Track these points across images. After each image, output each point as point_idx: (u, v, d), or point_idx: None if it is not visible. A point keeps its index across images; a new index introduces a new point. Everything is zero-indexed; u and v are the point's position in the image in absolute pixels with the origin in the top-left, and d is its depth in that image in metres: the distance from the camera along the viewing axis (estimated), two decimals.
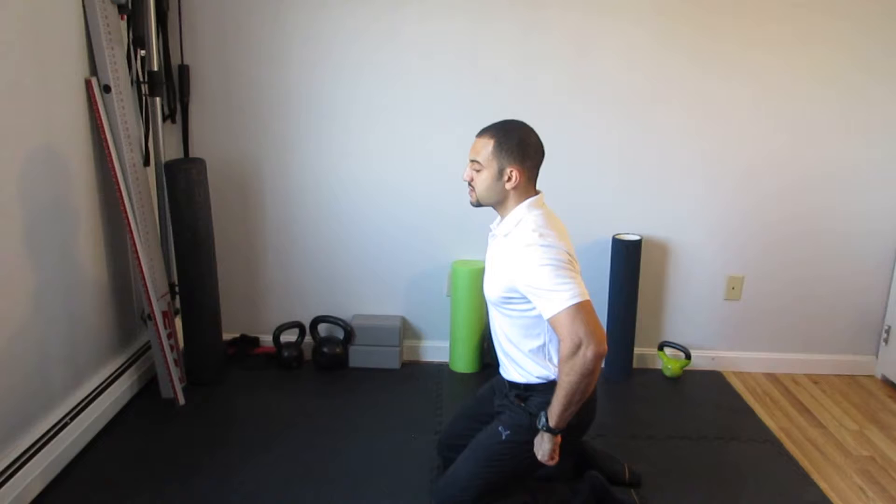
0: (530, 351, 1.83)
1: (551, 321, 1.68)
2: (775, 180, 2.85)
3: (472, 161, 1.81)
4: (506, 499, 1.88)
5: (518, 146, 1.76)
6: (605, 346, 1.66)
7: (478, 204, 1.86)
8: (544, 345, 1.83)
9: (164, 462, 2.23)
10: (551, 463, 1.78)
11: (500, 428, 1.87)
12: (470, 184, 1.84)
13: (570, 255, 1.72)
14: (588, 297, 1.66)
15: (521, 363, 1.86)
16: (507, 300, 1.80)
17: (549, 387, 1.79)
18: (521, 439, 1.83)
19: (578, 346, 1.62)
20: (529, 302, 1.75)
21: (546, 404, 1.76)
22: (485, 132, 1.81)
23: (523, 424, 1.84)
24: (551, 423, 1.72)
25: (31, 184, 2.02)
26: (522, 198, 1.81)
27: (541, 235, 1.71)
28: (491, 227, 1.93)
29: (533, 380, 1.85)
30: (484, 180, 1.79)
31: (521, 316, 1.80)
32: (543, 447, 1.77)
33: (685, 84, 2.74)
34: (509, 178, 1.77)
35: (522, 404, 1.86)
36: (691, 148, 2.82)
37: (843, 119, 2.78)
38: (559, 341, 1.67)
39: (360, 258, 2.96)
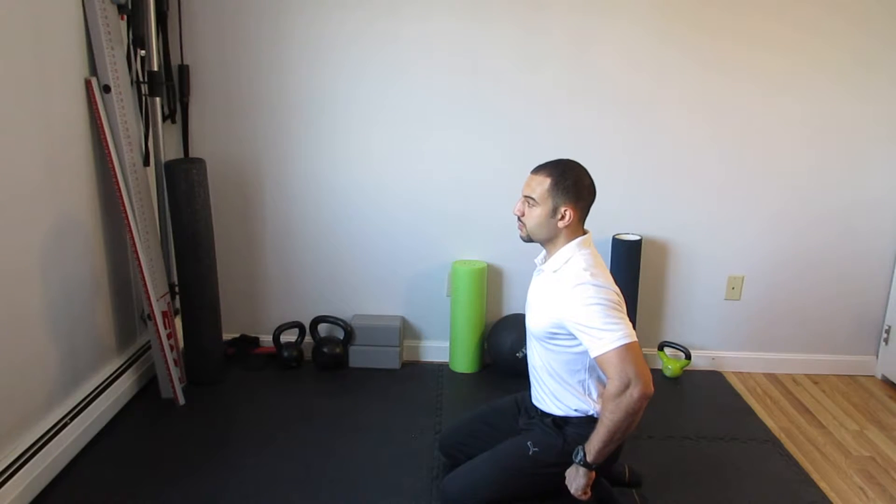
0: (571, 385, 1.86)
1: (599, 360, 1.70)
2: (776, 180, 2.85)
3: (527, 197, 1.84)
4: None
5: (574, 186, 1.80)
6: (653, 389, 1.69)
7: (528, 239, 1.89)
8: (585, 380, 1.86)
9: (164, 462, 2.23)
10: (584, 498, 1.79)
11: (528, 443, 1.89)
12: (520, 218, 1.87)
13: (618, 295, 1.75)
14: (636, 339, 1.69)
15: (560, 396, 1.89)
16: (553, 335, 1.83)
17: (585, 421, 1.84)
18: (549, 460, 1.86)
19: (627, 386, 1.65)
20: (575, 338, 1.77)
21: (581, 437, 1.79)
22: (541, 170, 1.84)
23: (555, 447, 1.86)
24: (589, 458, 1.74)
25: (31, 184, 2.02)
26: (572, 236, 1.84)
27: (592, 275, 1.74)
28: (536, 261, 1.95)
29: (571, 412, 1.88)
30: (537, 217, 1.82)
31: (565, 351, 1.83)
32: (578, 481, 1.78)
33: (686, 84, 2.74)
34: (563, 217, 1.81)
35: (559, 429, 1.89)
36: (692, 148, 2.82)
37: (845, 118, 2.78)
38: (604, 378, 1.73)
39: (360, 258, 2.96)
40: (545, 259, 1.91)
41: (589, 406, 1.86)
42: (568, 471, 1.81)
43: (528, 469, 1.87)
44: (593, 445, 1.74)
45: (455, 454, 2.11)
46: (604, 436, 1.71)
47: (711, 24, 2.68)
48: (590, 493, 1.79)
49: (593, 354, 1.71)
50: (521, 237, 1.90)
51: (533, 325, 1.91)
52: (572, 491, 1.79)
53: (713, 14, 2.67)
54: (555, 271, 1.84)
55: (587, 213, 1.87)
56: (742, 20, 2.67)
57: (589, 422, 1.82)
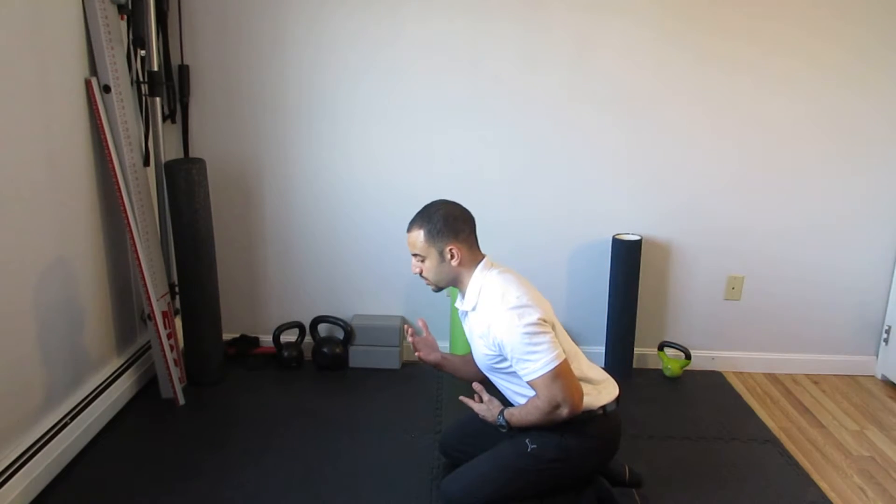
0: None
1: (529, 383, 1.79)
2: (776, 180, 2.85)
3: (414, 255, 1.89)
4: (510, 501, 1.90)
5: (445, 225, 1.85)
6: (581, 406, 1.79)
7: (437, 289, 1.95)
8: None
9: (164, 462, 2.23)
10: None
11: (526, 440, 1.90)
12: (421, 276, 1.92)
13: (536, 308, 1.77)
14: (563, 358, 1.76)
15: None
16: (496, 364, 1.87)
17: (577, 417, 1.84)
18: (548, 456, 1.87)
19: (556, 407, 1.76)
20: None
21: (577, 432, 1.85)
22: (411, 226, 1.90)
23: (551, 443, 1.87)
24: (510, 424, 1.87)
25: (31, 184, 2.02)
26: (472, 267, 1.89)
27: (503, 297, 1.79)
28: (457, 306, 1.99)
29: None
30: (431, 268, 1.88)
31: (517, 374, 1.84)
32: (486, 417, 1.94)
33: (686, 84, 2.74)
34: (452, 256, 1.85)
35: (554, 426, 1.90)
36: (692, 147, 2.82)
37: (846, 118, 2.78)
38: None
39: (360, 258, 2.96)
40: (462, 299, 1.95)
41: None
42: (484, 409, 1.93)
43: (528, 466, 1.88)
44: (516, 419, 1.86)
45: (455, 454, 2.12)
46: (526, 421, 1.84)
47: (713, 22, 2.68)
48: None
49: (525, 380, 1.79)
50: (433, 290, 1.96)
51: (479, 363, 1.96)
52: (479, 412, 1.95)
53: (714, 13, 2.67)
54: (474, 308, 1.88)
55: (475, 239, 1.93)
56: (744, 19, 2.67)
57: (581, 417, 1.83)
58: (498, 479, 1.89)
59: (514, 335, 1.75)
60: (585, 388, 1.84)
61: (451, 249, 1.85)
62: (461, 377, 2.12)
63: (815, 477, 2.26)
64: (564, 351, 1.79)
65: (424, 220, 1.87)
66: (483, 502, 1.88)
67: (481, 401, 1.97)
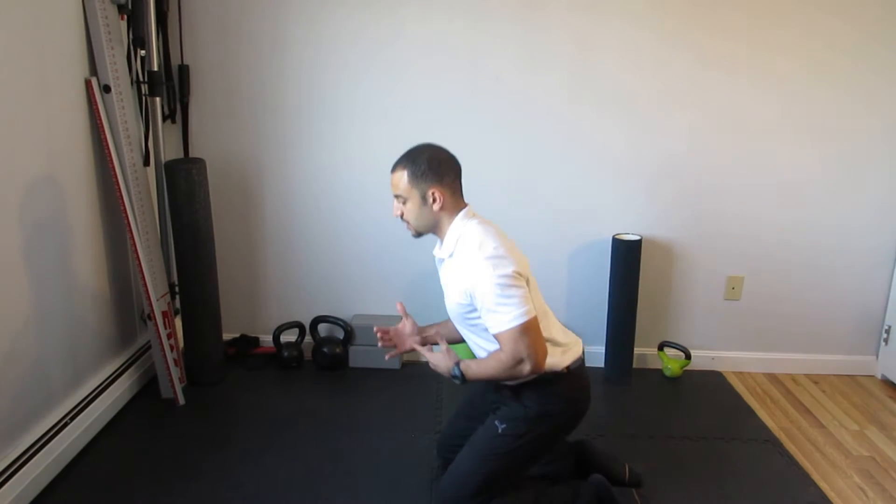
0: None
1: (495, 336, 1.76)
2: (776, 179, 2.85)
3: (396, 196, 1.87)
4: (508, 499, 1.89)
5: (429, 167, 1.82)
6: (543, 366, 1.77)
7: (417, 234, 1.92)
8: None
9: (164, 462, 2.23)
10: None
11: (496, 422, 1.89)
12: (402, 218, 1.89)
13: (513, 262, 1.75)
14: (533, 314, 1.73)
15: None
16: (468, 314, 1.85)
17: (539, 379, 1.83)
18: (518, 432, 1.86)
19: (519, 362, 1.74)
20: None
21: (539, 395, 1.84)
22: (396, 166, 1.87)
23: (519, 417, 1.86)
24: (468, 376, 1.83)
25: (31, 184, 2.02)
26: (454, 214, 1.86)
27: (481, 247, 1.77)
28: (434, 253, 1.97)
29: (520, 382, 1.87)
30: (412, 210, 1.85)
31: (486, 328, 1.82)
32: (438, 369, 1.88)
33: (685, 84, 2.74)
34: (434, 200, 1.82)
35: (520, 399, 1.88)
36: (692, 148, 2.82)
37: (845, 118, 2.78)
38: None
39: (360, 258, 2.96)
40: (440, 246, 1.92)
41: None
42: (436, 357, 1.88)
43: (504, 447, 1.86)
44: (473, 372, 1.82)
45: (446, 455, 2.11)
46: (484, 375, 1.81)
47: (712, 23, 2.68)
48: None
49: (491, 332, 1.76)
50: (413, 235, 1.93)
51: (450, 312, 1.93)
52: (431, 365, 1.90)
53: (714, 13, 2.67)
54: (451, 255, 1.85)
55: (459, 185, 1.88)
56: (744, 19, 2.67)
57: (542, 378, 1.83)
58: (481, 468, 1.87)
59: (487, 285, 1.72)
60: (551, 349, 1.82)
61: (433, 193, 1.81)
62: (454, 340, 2.09)
63: (815, 477, 2.26)
64: (535, 308, 1.76)
65: (409, 162, 1.84)
66: (475, 494, 1.86)
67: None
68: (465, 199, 1.92)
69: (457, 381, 1.85)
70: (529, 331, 1.72)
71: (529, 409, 1.86)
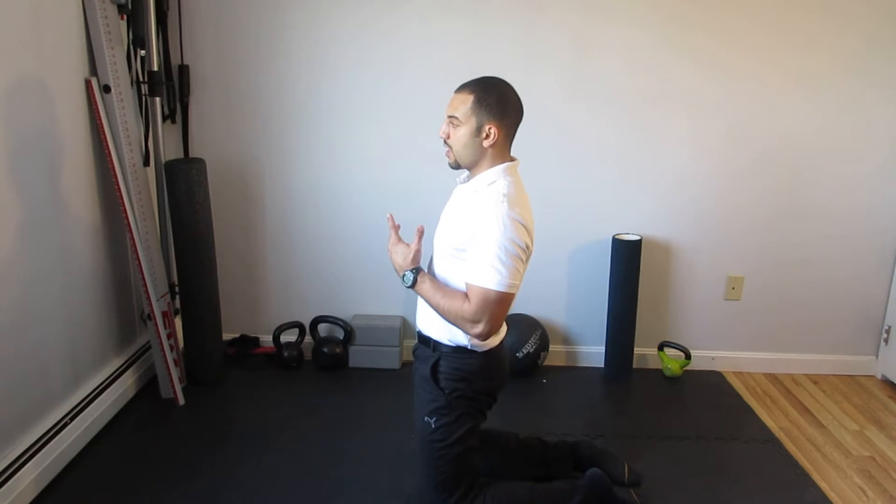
0: None
1: (469, 286, 1.71)
2: (776, 180, 2.85)
3: (451, 117, 1.76)
4: (504, 497, 1.89)
5: (497, 102, 1.73)
6: (493, 339, 1.80)
7: (456, 165, 1.83)
8: None
9: (164, 462, 2.23)
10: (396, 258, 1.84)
11: (426, 419, 1.88)
12: (446, 142, 1.80)
13: (526, 235, 1.71)
14: (515, 291, 1.70)
15: (436, 318, 1.83)
16: (457, 251, 1.78)
17: (455, 352, 1.82)
18: (449, 420, 1.84)
19: (475, 322, 1.69)
20: None
21: (454, 370, 1.82)
22: (464, 87, 1.76)
23: (441, 404, 1.85)
24: (416, 284, 1.78)
25: (32, 184, 2.02)
26: (498, 160, 1.78)
27: (509, 204, 1.69)
28: (458, 179, 1.89)
29: (443, 339, 1.84)
30: (461, 137, 1.75)
31: (462, 273, 1.77)
32: (394, 260, 1.84)
33: (685, 84, 2.74)
34: (487, 136, 1.73)
35: (434, 382, 1.85)
36: (692, 148, 2.82)
37: (844, 120, 2.78)
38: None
39: (360, 258, 2.96)
40: (466, 179, 1.86)
41: (460, 338, 1.81)
42: (398, 250, 1.83)
43: (444, 438, 1.84)
44: (425, 289, 1.77)
45: None
46: (432, 301, 1.76)
47: (712, 24, 2.68)
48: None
49: (466, 279, 1.71)
50: (450, 164, 1.84)
51: (441, 239, 1.86)
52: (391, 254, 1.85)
53: (713, 15, 2.67)
54: (475, 191, 1.78)
55: (513, 134, 1.80)
56: (743, 21, 2.67)
57: (459, 352, 1.81)
58: (436, 467, 1.87)
59: (495, 237, 1.65)
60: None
61: (490, 128, 1.72)
62: None
63: (815, 477, 2.26)
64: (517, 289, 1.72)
65: (479, 88, 1.73)
66: (450, 492, 1.86)
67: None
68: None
69: (404, 285, 1.79)
70: (503, 303, 1.68)
71: (445, 391, 1.84)
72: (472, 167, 1.81)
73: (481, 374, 1.86)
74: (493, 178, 1.76)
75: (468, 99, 1.73)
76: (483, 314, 1.68)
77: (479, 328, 1.70)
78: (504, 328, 1.93)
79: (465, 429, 1.85)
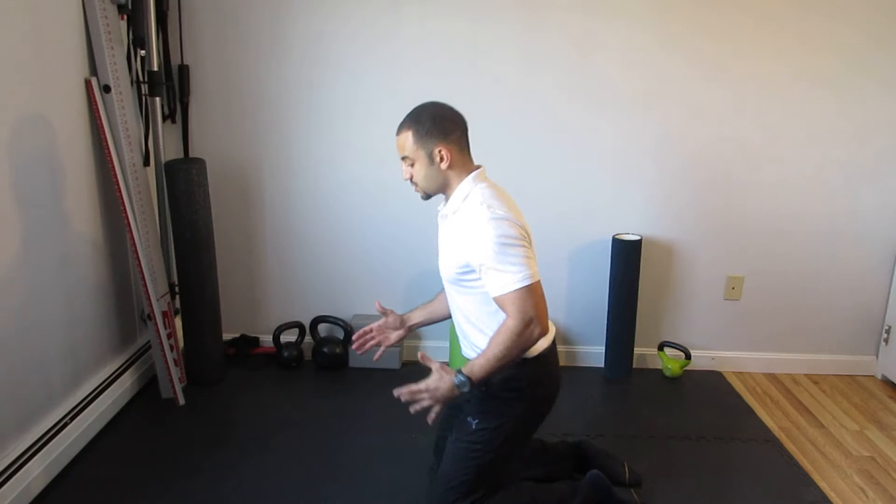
0: (488, 327, 1.79)
1: (498, 300, 1.68)
2: (776, 180, 2.85)
3: (403, 158, 1.82)
4: (504, 498, 1.89)
5: (434, 125, 1.77)
6: (541, 342, 1.74)
7: (426, 196, 1.87)
8: (502, 319, 1.78)
9: (164, 462, 2.23)
10: (430, 414, 1.71)
11: (468, 419, 1.86)
12: (412, 181, 1.85)
13: (520, 227, 1.72)
14: (538, 278, 1.68)
15: (476, 342, 1.84)
16: (463, 276, 1.79)
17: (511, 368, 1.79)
18: (492, 425, 1.82)
19: (529, 323, 1.65)
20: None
21: (509, 380, 1.78)
22: (400, 128, 1.81)
23: (489, 409, 1.83)
24: (474, 379, 1.67)
25: (32, 184, 2.02)
26: (463, 173, 1.80)
27: (489, 208, 1.70)
28: (439, 209, 1.91)
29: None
30: (420, 171, 1.80)
31: (479, 291, 1.78)
32: (439, 393, 1.67)
33: (685, 85, 2.74)
34: (442, 159, 1.77)
35: (484, 388, 1.82)
36: (691, 148, 2.82)
37: (843, 120, 2.78)
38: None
39: (360, 258, 2.96)
40: (445, 204, 1.87)
41: None
42: (431, 381, 1.69)
43: (482, 441, 1.83)
44: (481, 367, 1.67)
45: (440, 455, 2.09)
46: (494, 363, 1.67)
47: (712, 24, 2.68)
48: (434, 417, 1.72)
49: (493, 295, 1.69)
50: (422, 197, 1.88)
51: (443, 269, 1.87)
52: (425, 401, 1.68)
53: (714, 15, 2.67)
54: (455, 212, 1.80)
55: (467, 143, 1.82)
56: (744, 20, 2.67)
57: (512, 364, 1.77)
58: (464, 468, 1.83)
59: (490, 244, 1.66)
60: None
61: (440, 151, 1.76)
62: (438, 320, 2.07)
63: (815, 477, 2.26)
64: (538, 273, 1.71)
65: (413, 122, 1.79)
66: (466, 494, 1.83)
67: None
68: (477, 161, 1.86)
69: (465, 390, 1.68)
70: (534, 293, 1.66)
71: (499, 398, 1.81)
72: (444, 190, 1.85)
73: (534, 381, 1.83)
74: (465, 192, 1.79)
75: (407, 136, 1.79)
76: (525, 314, 1.65)
77: (532, 328, 1.66)
78: (553, 328, 1.89)
79: (504, 437, 1.83)
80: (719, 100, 2.76)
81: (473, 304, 1.81)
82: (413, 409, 1.71)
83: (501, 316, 1.73)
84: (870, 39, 2.69)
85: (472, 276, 1.76)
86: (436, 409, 1.70)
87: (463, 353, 1.96)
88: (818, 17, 2.67)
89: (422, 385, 1.69)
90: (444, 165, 1.78)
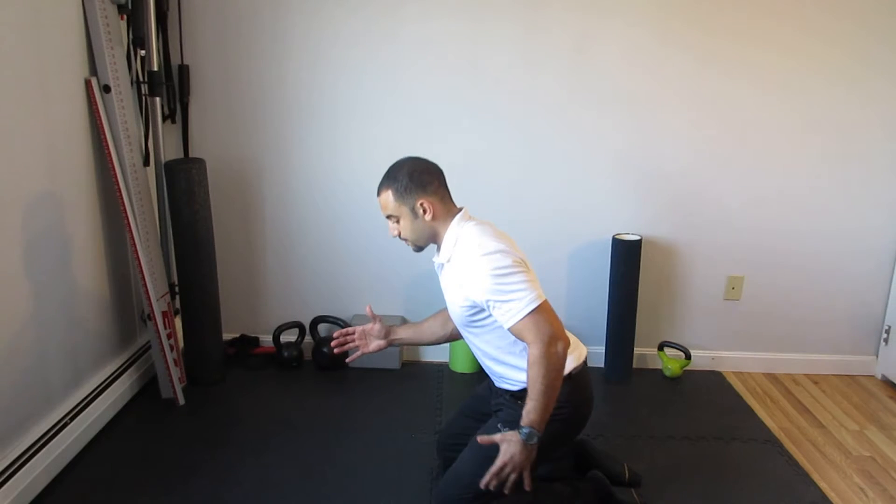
0: (513, 358, 1.83)
1: (513, 330, 1.70)
2: (776, 179, 2.85)
3: (388, 217, 1.87)
4: (506, 499, 1.88)
5: (410, 180, 1.81)
6: (570, 362, 1.76)
7: (418, 249, 1.91)
8: (524, 349, 1.79)
9: (164, 462, 2.23)
10: (525, 481, 1.67)
11: (498, 425, 1.85)
12: (400, 237, 1.89)
13: (514, 254, 1.73)
14: (543, 298, 1.70)
15: (507, 375, 1.87)
16: (473, 316, 1.82)
17: None
18: None
19: (551, 342, 1.65)
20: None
21: None
22: (380, 189, 1.86)
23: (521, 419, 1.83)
24: (538, 427, 1.64)
25: (32, 184, 2.02)
26: (448, 220, 1.85)
27: (479, 246, 1.74)
28: (434, 260, 1.95)
29: (525, 385, 1.82)
30: (407, 226, 1.84)
31: (493, 328, 1.81)
32: (518, 459, 1.63)
33: (685, 84, 2.74)
34: (425, 211, 1.81)
35: (519, 402, 1.84)
36: (691, 148, 2.82)
37: (845, 119, 2.78)
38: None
39: (360, 258, 2.96)
40: (439, 252, 1.90)
41: None
42: (506, 450, 1.64)
43: None
44: (537, 413, 1.63)
45: (449, 454, 2.09)
46: (543, 400, 1.64)
47: (713, 23, 2.68)
48: (530, 480, 1.67)
49: (507, 327, 1.70)
50: (414, 251, 1.93)
51: (454, 316, 1.91)
52: (513, 474, 1.64)
53: (714, 13, 2.67)
54: (449, 260, 1.84)
55: (446, 191, 1.87)
56: (745, 19, 2.67)
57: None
58: (482, 470, 1.77)
59: (488, 279, 1.68)
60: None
61: (421, 204, 1.80)
62: (425, 343, 2.11)
63: (815, 477, 2.26)
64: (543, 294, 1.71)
65: (390, 180, 1.83)
66: (477, 496, 1.81)
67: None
68: (461, 202, 1.90)
69: (536, 440, 1.64)
70: (544, 313, 1.67)
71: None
72: (434, 240, 1.89)
73: (568, 401, 1.80)
74: (454, 237, 1.83)
75: (388, 194, 1.83)
76: (543, 336, 1.65)
77: (559, 344, 1.65)
78: (583, 349, 1.91)
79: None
80: (719, 98, 2.76)
81: (492, 341, 1.84)
82: (507, 489, 1.66)
83: (519, 346, 1.77)
84: (875, 35, 2.69)
85: (482, 314, 1.80)
86: (526, 474, 1.66)
87: (497, 384, 1.96)
88: (821, 12, 2.66)
89: (498, 463, 1.65)
90: (428, 217, 1.82)
